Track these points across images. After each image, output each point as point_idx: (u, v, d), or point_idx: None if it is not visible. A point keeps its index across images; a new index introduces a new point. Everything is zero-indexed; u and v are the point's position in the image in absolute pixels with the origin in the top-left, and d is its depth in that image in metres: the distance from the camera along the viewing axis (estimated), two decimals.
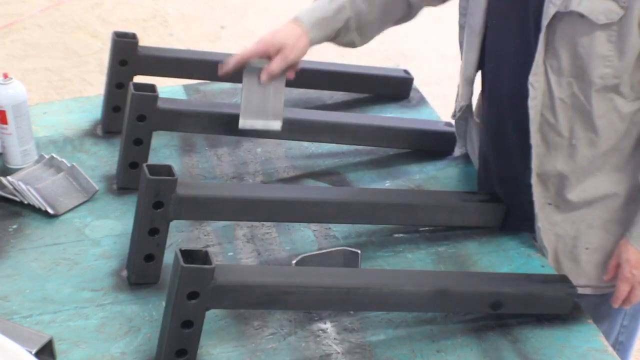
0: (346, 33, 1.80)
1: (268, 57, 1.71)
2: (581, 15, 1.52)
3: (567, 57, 1.57)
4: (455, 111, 1.89)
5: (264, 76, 1.71)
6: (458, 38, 1.83)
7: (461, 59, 1.83)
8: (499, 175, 1.78)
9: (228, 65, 1.72)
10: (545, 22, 1.55)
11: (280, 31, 1.72)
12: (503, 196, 1.78)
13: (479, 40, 1.71)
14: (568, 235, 1.70)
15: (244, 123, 1.75)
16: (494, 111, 1.74)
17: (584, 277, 1.71)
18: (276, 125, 1.71)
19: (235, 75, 2.14)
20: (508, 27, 1.65)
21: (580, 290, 1.71)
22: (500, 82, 1.70)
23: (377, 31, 1.86)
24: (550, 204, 1.69)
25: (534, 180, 1.67)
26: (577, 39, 1.54)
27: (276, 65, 1.71)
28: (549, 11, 1.54)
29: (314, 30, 1.74)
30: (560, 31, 1.55)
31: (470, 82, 1.77)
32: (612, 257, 1.70)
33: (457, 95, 1.87)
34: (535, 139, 1.64)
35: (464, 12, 1.78)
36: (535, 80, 1.59)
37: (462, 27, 1.80)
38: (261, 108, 1.71)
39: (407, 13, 1.87)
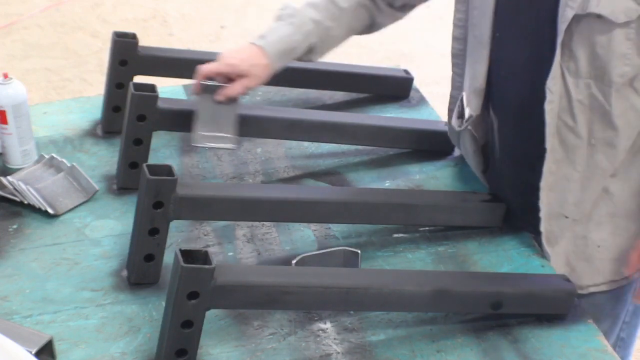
0: (308, 54, 1.83)
1: (229, 78, 1.74)
2: (599, 16, 1.51)
3: (585, 59, 1.56)
4: (455, 118, 1.86)
5: (220, 96, 1.74)
6: (451, 50, 1.80)
7: (455, 71, 1.82)
8: (513, 182, 1.77)
9: (197, 88, 1.77)
10: (563, 26, 1.53)
11: (247, 58, 1.75)
12: (514, 201, 1.78)
13: (488, 51, 1.69)
14: (578, 236, 1.70)
15: (198, 140, 1.76)
16: (507, 120, 1.73)
17: (598, 275, 1.71)
18: (231, 145, 1.75)
19: None
20: (519, 34, 1.63)
21: (595, 289, 1.71)
22: (512, 90, 1.68)
23: (336, 46, 1.89)
24: (567, 217, 1.68)
25: (543, 183, 1.66)
26: (596, 39, 1.53)
27: (236, 90, 1.74)
28: (566, 14, 1.52)
29: (278, 61, 1.78)
30: (578, 33, 1.54)
31: (480, 93, 1.74)
32: (624, 251, 1.70)
33: (458, 105, 1.84)
34: (551, 143, 1.63)
35: (460, 24, 1.75)
36: (553, 84, 1.57)
37: (457, 39, 1.78)
38: (216, 126, 1.74)
39: (368, 29, 1.91)
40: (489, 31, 1.67)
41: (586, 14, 1.52)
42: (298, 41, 1.79)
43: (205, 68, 1.76)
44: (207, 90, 1.74)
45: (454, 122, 1.85)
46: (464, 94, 1.79)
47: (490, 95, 1.74)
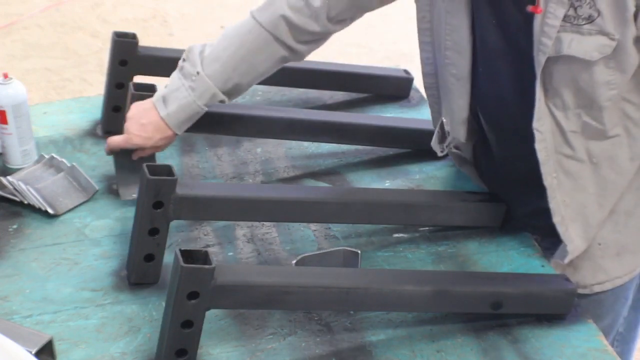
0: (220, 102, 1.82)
1: None
2: (574, 56, 1.50)
3: (570, 93, 1.55)
4: (437, 144, 1.84)
5: (135, 156, 1.81)
6: (424, 84, 1.79)
7: (431, 100, 1.80)
8: (514, 189, 1.76)
9: (108, 152, 1.83)
10: (538, 70, 1.52)
11: (151, 135, 1.77)
12: (515, 204, 1.77)
13: (469, 86, 1.68)
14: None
15: (125, 195, 1.83)
16: (501, 144, 1.72)
17: (601, 273, 1.71)
18: None
19: None
20: (503, 72, 1.62)
21: (599, 288, 1.71)
22: (503, 121, 1.68)
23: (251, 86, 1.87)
24: (597, 241, 1.68)
25: (557, 220, 1.64)
26: (576, 76, 1.52)
27: (147, 154, 1.81)
28: (539, 59, 1.51)
29: (183, 126, 1.78)
30: (557, 72, 1.53)
31: (465, 122, 1.74)
32: (624, 247, 1.69)
33: (438, 131, 1.82)
34: (557, 178, 1.62)
35: (428, 62, 1.74)
36: (540, 125, 1.57)
37: (428, 74, 1.76)
38: (137, 178, 1.76)
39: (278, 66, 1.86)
40: (468, 68, 1.66)
41: (560, 56, 1.50)
42: (201, 106, 1.77)
43: (113, 144, 1.79)
44: (121, 151, 1.81)
45: (436, 147, 1.83)
46: (445, 121, 1.78)
47: (484, 118, 1.72)
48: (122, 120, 1.85)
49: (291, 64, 2.15)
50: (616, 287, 1.73)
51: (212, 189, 1.70)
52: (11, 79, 1.87)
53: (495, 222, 1.80)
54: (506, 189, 1.79)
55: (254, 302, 1.46)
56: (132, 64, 1.98)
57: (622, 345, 1.84)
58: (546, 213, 1.66)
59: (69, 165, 1.86)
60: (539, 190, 1.64)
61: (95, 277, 1.65)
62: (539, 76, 1.53)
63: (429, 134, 2.00)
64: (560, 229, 1.66)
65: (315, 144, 2.03)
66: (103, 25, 4.74)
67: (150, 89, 1.81)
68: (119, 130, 1.88)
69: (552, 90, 1.55)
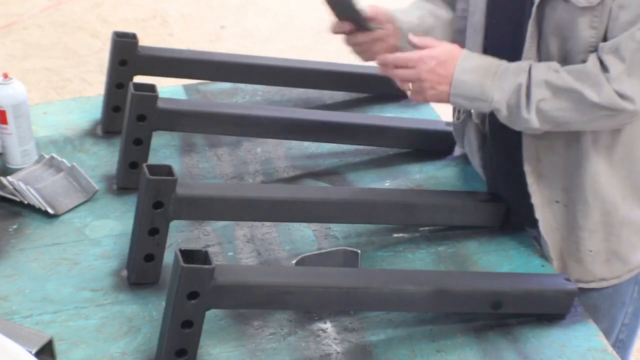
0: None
1: None
2: (565, 0, 1.54)
3: (555, 43, 1.58)
4: (455, 114, 1.88)
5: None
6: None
7: None
8: (503, 173, 1.78)
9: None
10: (533, 8, 1.56)
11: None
12: (508, 193, 1.78)
13: (481, 39, 1.71)
14: (571, 240, 1.70)
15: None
16: None
17: (589, 275, 1.72)
18: None
19: (236, 75, 2.15)
20: (506, 21, 1.65)
21: (584, 285, 1.71)
22: None
23: None
24: (558, 201, 1.69)
25: (527, 168, 1.67)
26: (562, 24, 1.56)
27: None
28: None
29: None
30: (548, 17, 1.57)
31: None
32: (615, 253, 1.70)
33: None
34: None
35: (462, 15, 1.77)
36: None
37: (460, 31, 1.79)
38: None
39: None
40: (482, 18, 1.70)
41: None
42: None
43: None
44: None
45: (455, 115, 1.87)
46: None
47: None
48: (122, 120, 1.85)
49: (291, 64, 2.15)
50: (607, 289, 1.74)
51: (212, 189, 1.70)
52: (11, 79, 1.87)
53: (495, 222, 1.80)
54: (501, 176, 1.80)
55: (254, 302, 1.46)
56: (132, 64, 1.98)
57: (623, 351, 1.84)
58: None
59: (69, 165, 1.86)
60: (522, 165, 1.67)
61: (95, 277, 1.65)
62: (533, 13, 1.56)
63: (429, 134, 2.01)
64: (529, 180, 1.68)
65: (315, 144, 2.03)
66: (103, 25, 4.74)
67: (150, 89, 1.81)
68: (119, 130, 1.88)
69: (542, 37, 1.59)
